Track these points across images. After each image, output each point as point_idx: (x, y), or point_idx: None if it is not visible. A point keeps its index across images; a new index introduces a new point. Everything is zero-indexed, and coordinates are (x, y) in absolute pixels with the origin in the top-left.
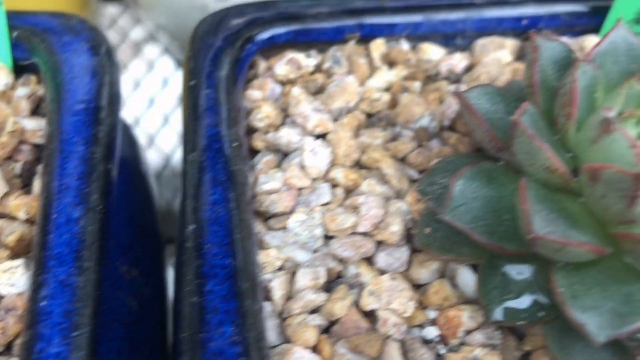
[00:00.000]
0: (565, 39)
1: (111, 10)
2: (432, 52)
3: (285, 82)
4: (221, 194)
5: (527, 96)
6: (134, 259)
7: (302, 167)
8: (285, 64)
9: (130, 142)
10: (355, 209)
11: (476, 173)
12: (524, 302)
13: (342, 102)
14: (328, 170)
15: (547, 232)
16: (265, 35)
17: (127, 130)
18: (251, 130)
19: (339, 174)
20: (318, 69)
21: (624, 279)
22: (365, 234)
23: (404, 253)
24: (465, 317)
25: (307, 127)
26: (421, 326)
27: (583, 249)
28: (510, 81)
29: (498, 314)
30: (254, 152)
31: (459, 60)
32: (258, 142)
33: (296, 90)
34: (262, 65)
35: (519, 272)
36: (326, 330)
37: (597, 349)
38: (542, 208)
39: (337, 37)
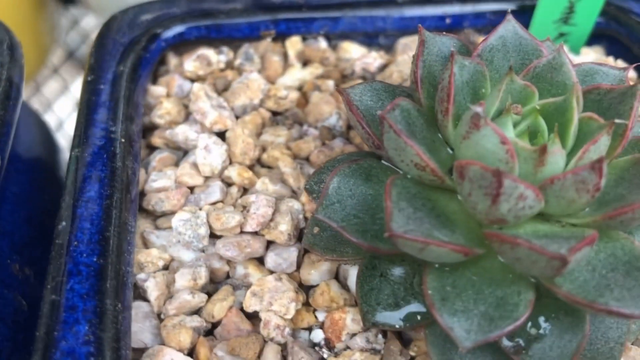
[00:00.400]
0: None
1: (74, 12)
2: (352, 50)
3: (195, 79)
4: (97, 191)
5: (413, 92)
6: (30, 259)
7: (194, 165)
8: (194, 61)
9: (44, 141)
10: (244, 208)
11: (354, 171)
12: (401, 305)
13: (245, 99)
14: (223, 169)
15: (405, 231)
16: (172, 32)
17: (42, 130)
18: (153, 127)
19: (233, 173)
20: (229, 65)
21: (499, 280)
22: (254, 234)
23: (292, 253)
24: (349, 319)
25: (205, 124)
26: (310, 329)
27: (445, 248)
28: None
29: (375, 317)
30: (154, 149)
31: (374, 59)
32: (157, 139)
33: (197, 87)
34: (173, 61)
35: (399, 273)
36: (210, 332)
37: (476, 353)
38: (407, 206)
39: (252, 34)
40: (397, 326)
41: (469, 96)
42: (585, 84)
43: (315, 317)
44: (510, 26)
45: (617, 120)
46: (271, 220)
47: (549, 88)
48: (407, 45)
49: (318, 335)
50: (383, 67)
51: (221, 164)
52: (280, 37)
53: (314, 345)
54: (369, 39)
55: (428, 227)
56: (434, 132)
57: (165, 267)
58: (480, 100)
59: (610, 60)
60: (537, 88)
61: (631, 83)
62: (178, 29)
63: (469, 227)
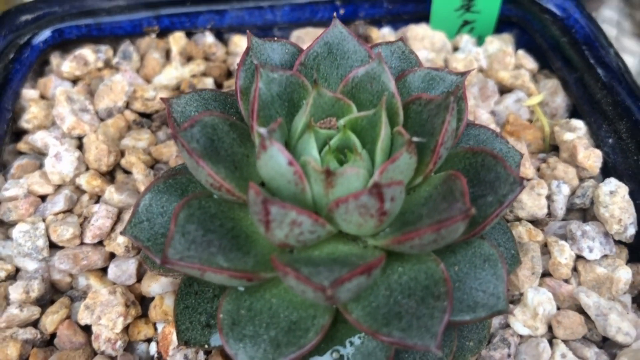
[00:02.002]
0: (386, 30)
1: None
2: (243, 44)
3: (73, 79)
4: None
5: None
6: None
7: (44, 174)
8: (71, 61)
9: None
10: (86, 218)
11: (169, 186)
12: (212, 324)
13: (109, 102)
14: (76, 176)
15: (182, 257)
16: (50, 32)
17: None
18: (22, 132)
19: (83, 181)
20: (107, 65)
21: (297, 304)
22: (96, 245)
23: (131, 265)
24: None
25: (63, 129)
26: (148, 341)
27: (223, 275)
28: None
29: (187, 336)
30: (22, 154)
31: None
32: (22, 145)
33: (59, 90)
34: (55, 61)
35: (211, 293)
36: (50, 342)
37: None
38: (196, 228)
39: (134, 31)
40: (206, 346)
41: (283, 109)
42: (420, 90)
43: (155, 329)
44: (337, 32)
45: (415, 138)
46: (112, 231)
47: (370, 98)
48: (301, 38)
49: (153, 349)
50: None
51: (73, 171)
52: (166, 32)
53: (151, 357)
54: (264, 32)
55: (213, 252)
56: (251, 147)
57: (11, 277)
58: (297, 111)
59: (511, 50)
60: (358, 99)
61: (481, 112)
62: (56, 28)
63: (267, 248)
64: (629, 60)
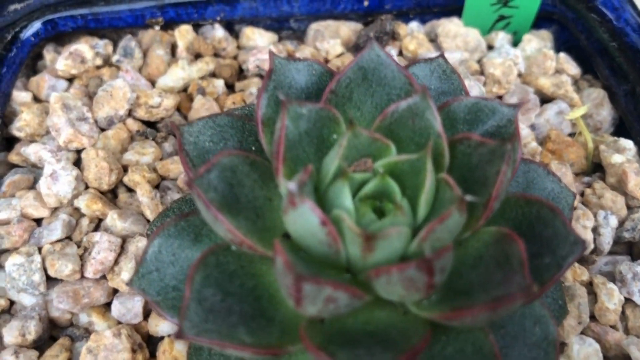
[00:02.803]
0: (414, 25)
1: None
2: (257, 37)
3: (69, 78)
4: None
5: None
6: None
7: (39, 195)
8: (66, 58)
9: None
10: (86, 250)
11: (181, 230)
12: None
13: (109, 110)
14: (75, 197)
15: (198, 332)
16: (41, 24)
17: None
18: (14, 139)
19: (82, 204)
20: (107, 62)
21: None
22: (97, 280)
23: (137, 303)
24: None
25: (59, 142)
26: None
27: (246, 352)
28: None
29: None
30: (15, 166)
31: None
32: (14, 157)
33: (54, 97)
34: (49, 56)
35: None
36: None
37: None
38: (214, 293)
39: (137, 23)
40: None
41: (312, 147)
42: (466, 124)
43: None
44: (373, 55)
45: (468, 197)
46: (115, 264)
47: (411, 136)
48: (320, 32)
49: None
50: None
51: (71, 192)
52: (171, 25)
53: None
54: (279, 24)
55: (233, 322)
56: (275, 188)
57: (5, 311)
58: (330, 149)
59: (551, 54)
60: (398, 136)
61: (522, 143)
62: (48, 19)
63: (294, 314)
64: None
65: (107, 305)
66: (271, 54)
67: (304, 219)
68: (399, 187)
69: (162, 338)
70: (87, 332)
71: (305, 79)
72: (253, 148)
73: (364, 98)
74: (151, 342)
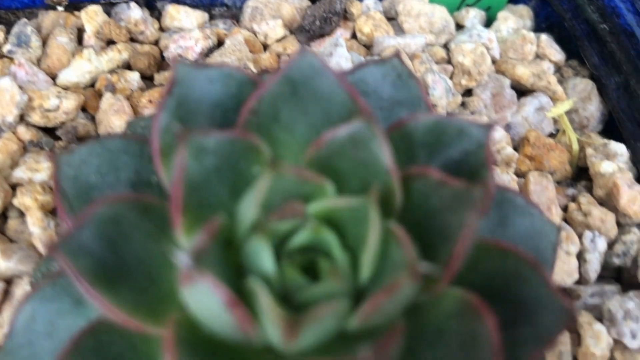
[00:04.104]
0: (370, 2)
1: None
2: (182, 18)
3: None
4: None
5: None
6: None
7: None
8: None
9: None
10: None
11: (61, 289)
12: None
13: None
14: None
15: None
16: None
17: None
18: None
19: None
20: None
21: None
22: None
23: None
24: None
25: None
26: None
27: None
28: None
29: None
30: None
31: (196, 41)
32: None
33: None
34: None
35: None
36: None
37: None
38: None
39: (35, 4)
40: None
41: (224, 187)
42: (426, 149)
43: None
44: (305, 63)
45: (422, 268)
46: None
47: (354, 169)
48: (258, 10)
49: None
50: (217, 46)
51: None
52: (77, 5)
53: None
54: (212, 2)
55: None
56: (176, 242)
57: None
58: (249, 185)
59: (531, 36)
60: (337, 168)
61: (495, 148)
62: None
63: None
64: None
65: None
66: (173, 59)
67: (204, 298)
68: (338, 238)
69: None
70: None
71: (220, 92)
72: (153, 181)
73: (295, 117)
74: None
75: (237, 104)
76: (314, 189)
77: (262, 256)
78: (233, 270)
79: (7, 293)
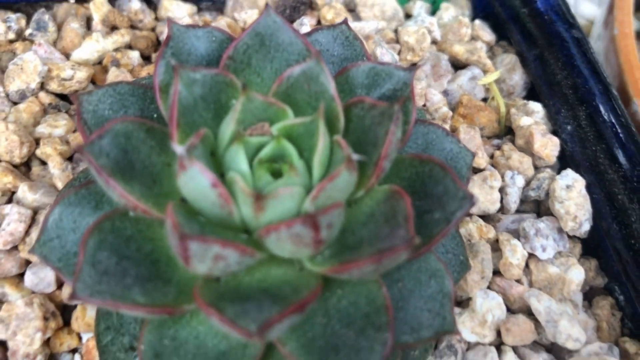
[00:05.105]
0: None
1: None
2: (175, 9)
3: None
4: None
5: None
6: None
7: None
8: None
9: None
10: None
11: (82, 198)
12: (136, 347)
13: (20, 83)
14: None
15: (92, 293)
16: None
17: None
18: None
19: None
20: (20, 36)
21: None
22: (10, 250)
23: (49, 272)
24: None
25: None
26: (73, 352)
27: (139, 312)
28: None
29: (109, 358)
30: None
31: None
32: None
33: None
34: None
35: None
36: None
37: None
38: (109, 256)
39: None
40: None
41: (209, 112)
42: (365, 88)
43: (80, 339)
44: (269, 21)
45: (355, 156)
46: (26, 235)
47: (307, 99)
48: (239, 3)
49: None
50: None
51: None
52: None
53: None
54: None
55: (128, 284)
56: (173, 155)
57: None
58: (227, 113)
59: (467, 21)
60: (295, 100)
61: (417, 86)
62: None
63: (191, 275)
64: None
65: (21, 276)
66: (169, 21)
67: (195, 182)
68: (296, 150)
69: (75, 306)
70: (0, 303)
71: (205, 46)
72: (155, 116)
73: (263, 64)
74: (66, 311)
75: (218, 56)
76: (277, 113)
77: (239, 159)
78: (216, 171)
79: (33, 219)
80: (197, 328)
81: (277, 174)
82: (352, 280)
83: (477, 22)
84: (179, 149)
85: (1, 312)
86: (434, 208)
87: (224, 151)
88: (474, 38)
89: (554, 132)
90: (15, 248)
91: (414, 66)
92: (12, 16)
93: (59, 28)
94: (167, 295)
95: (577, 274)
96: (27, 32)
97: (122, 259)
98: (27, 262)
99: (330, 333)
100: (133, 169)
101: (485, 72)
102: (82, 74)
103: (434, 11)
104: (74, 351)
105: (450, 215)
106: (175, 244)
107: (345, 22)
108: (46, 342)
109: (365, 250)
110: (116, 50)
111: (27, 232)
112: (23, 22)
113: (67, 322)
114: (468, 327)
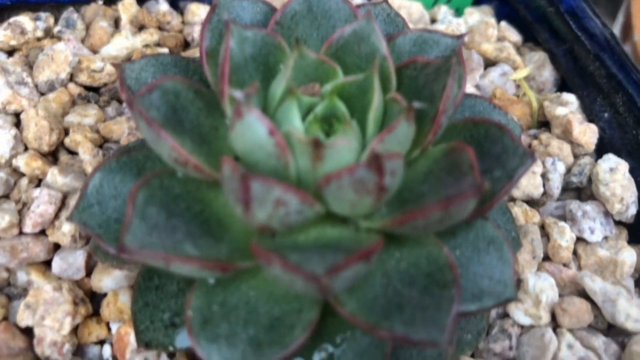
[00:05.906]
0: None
1: None
2: (202, 13)
3: (9, 50)
4: None
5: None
6: None
7: None
8: (5, 29)
9: None
10: (25, 205)
11: (123, 165)
12: (177, 324)
13: (50, 73)
14: (13, 157)
15: (142, 245)
16: None
17: None
18: None
19: (21, 162)
20: (48, 34)
21: (280, 296)
22: (37, 235)
23: (78, 257)
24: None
25: None
26: (101, 343)
27: (192, 265)
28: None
29: (147, 337)
30: None
31: None
32: None
33: None
34: None
35: (176, 287)
36: None
37: None
38: (158, 212)
39: None
40: (170, 348)
41: (258, 74)
42: (411, 54)
43: (109, 330)
44: None
45: (416, 104)
46: (55, 218)
47: (357, 62)
48: None
49: (107, 352)
50: None
51: (9, 151)
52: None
53: None
54: None
55: (179, 239)
56: (220, 118)
57: None
58: (274, 77)
59: (493, 22)
60: (344, 62)
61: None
62: None
63: (243, 234)
64: None
65: (48, 264)
66: None
67: (251, 131)
68: (348, 109)
69: (105, 295)
70: (26, 291)
71: (251, 17)
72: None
73: (309, 31)
74: (95, 300)
75: (263, 26)
76: (328, 72)
77: (292, 115)
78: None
79: (63, 203)
80: (248, 293)
81: (329, 134)
82: (410, 242)
83: (503, 23)
84: (237, 93)
85: (28, 297)
86: (493, 167)
87: (274, 110)
88: (500, 39)
89: (591, 122)
90: (43, 232)
91: (460, 36)
92: (42, 14)
93: (87, 27)
94: (220, 251)
95: (629, 256)
96: (56, 29)
97: (171, 215)
98: (56, 248)
99: (392, 292)
100: (182, 126)
101: (515, 69)
102: (112, 68)
103: (457, 17)
104: (101, 342)
105: (512, 171)
106: (234, 188)
107: (385, 0)
108: (74, 331)
109: (431, 199)
110: (146, 46)
111: (56, 216)
112: (51, 20)
113: (95, 312)
114: (521, 310)
